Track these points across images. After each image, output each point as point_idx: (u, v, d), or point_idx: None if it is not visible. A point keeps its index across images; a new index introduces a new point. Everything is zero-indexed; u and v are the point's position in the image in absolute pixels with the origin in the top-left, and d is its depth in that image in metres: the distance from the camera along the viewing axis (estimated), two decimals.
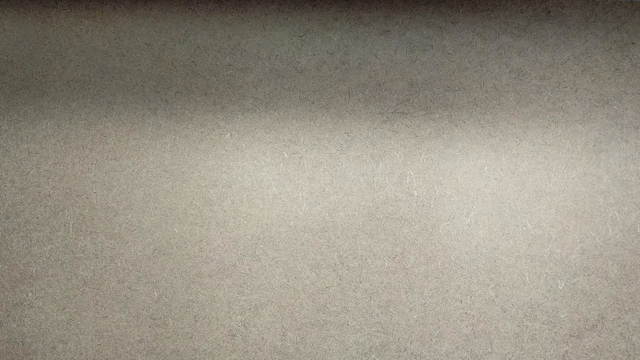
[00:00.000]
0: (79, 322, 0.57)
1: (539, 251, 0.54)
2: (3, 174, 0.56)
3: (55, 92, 0.55)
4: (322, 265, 0.56)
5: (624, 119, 0.52)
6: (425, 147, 0.53)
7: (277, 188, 0.55)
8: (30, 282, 0.57)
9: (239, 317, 0.58)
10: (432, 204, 0.54)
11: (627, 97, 0.52)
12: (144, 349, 0.59)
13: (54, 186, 0.56)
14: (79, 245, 0.56)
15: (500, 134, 0.53)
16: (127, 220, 0.55)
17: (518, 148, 0.53)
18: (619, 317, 0.54)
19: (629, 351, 0.54)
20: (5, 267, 0.58)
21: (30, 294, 0.57)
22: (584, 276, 0.53)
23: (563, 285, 0.54)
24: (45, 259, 0.56)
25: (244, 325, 0.58)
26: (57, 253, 0.56)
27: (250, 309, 0.58)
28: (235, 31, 0.54)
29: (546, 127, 0.52)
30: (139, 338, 0.59)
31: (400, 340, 0.56)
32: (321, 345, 0.57)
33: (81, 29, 0.54)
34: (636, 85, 0.52)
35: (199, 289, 0.58)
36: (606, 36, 0.51)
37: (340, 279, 0.56)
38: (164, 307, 0.58)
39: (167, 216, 0.55)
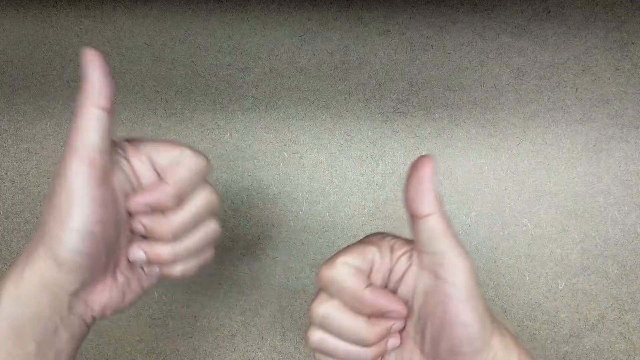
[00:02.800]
0: None
1: (539, 251, 0.54)
2: (3, 174, 0.56)
3: (55, 92, 0.55)
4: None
5: (624, 119, 0.52)
6: (425, 147, 0.53)
7: (277, 188, 0.55)
8: None
9: (239, 317, 0.58)
10: None
11: (627, 97, 0.52)
12: (144, 349, 0.59)
13: None
14: None
15: (500, 133, 0.53)
16: None
17: (518, 148, 0.53)
18: (619, 317, 0.54)
19: (629, 351, 0.54)
20: (5, 267, 0.58)
21: None
22: (584, 276, 0.53)
23: (563, 285, 0.54)
24: None
25: (244, 325, 0.58)
26: None
27: (250, 309, 0.58)
28: (235, 31, 0.54)
29: (546, 127, 0.52)
30: (138, 338, 0.59)
31: None
32: None
33: (81, 29, 0.54)
34: (636, 85, 0.52)
35: (199, 289, 0.58)
36: (606, 36, 0.51)
37: None
38: (164, 307, 0.58)
39: None
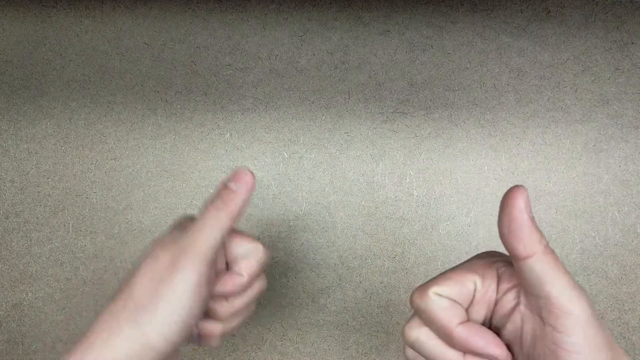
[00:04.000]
0: (79, 322, 0.57)
1: None
2: (3, 174, 0.56)
3: (55, 92, 0.55)
4: (322, 265, 0.56)
5: (624, 119, 0.52)
6: (425, 147, 0.53)
7: (277, 188, 0.55)
8: (30, 282, 0.57)
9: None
10: (432, 204, 0.54)
11: (627, 97, 0.52)
12: None
13: (54, 186, 0.56)
14: (79, 245, 0.56)
15: (500, 133, 0.53)
16: (127, 220, 0.55)
17: (518, 148, 0.53)
18: (619, 317, 0.54)
19: (629, 351, 0.54)
20: (5, 267, 0.58)
21: (30, 294, 0.57)
22: (584, 276, 0.53)
23: None
24: (45, 259, 0.56)
25: (243, 325, 0.58)
26: (57, 253, 0.56)
27: None
28: (235, 31, 0.54)
29: (546, 127, 0.52)
30: None
31: (400, 340, 0.56)
32: (321, 345, 0.57)
33: (81, 29, 0.54)
34: (636, 85, 0.52)
35: None
36: (606, 36, 0.51)
37: (340, 279, 0.56)
38: None
39: (167, 216, 0.55)
